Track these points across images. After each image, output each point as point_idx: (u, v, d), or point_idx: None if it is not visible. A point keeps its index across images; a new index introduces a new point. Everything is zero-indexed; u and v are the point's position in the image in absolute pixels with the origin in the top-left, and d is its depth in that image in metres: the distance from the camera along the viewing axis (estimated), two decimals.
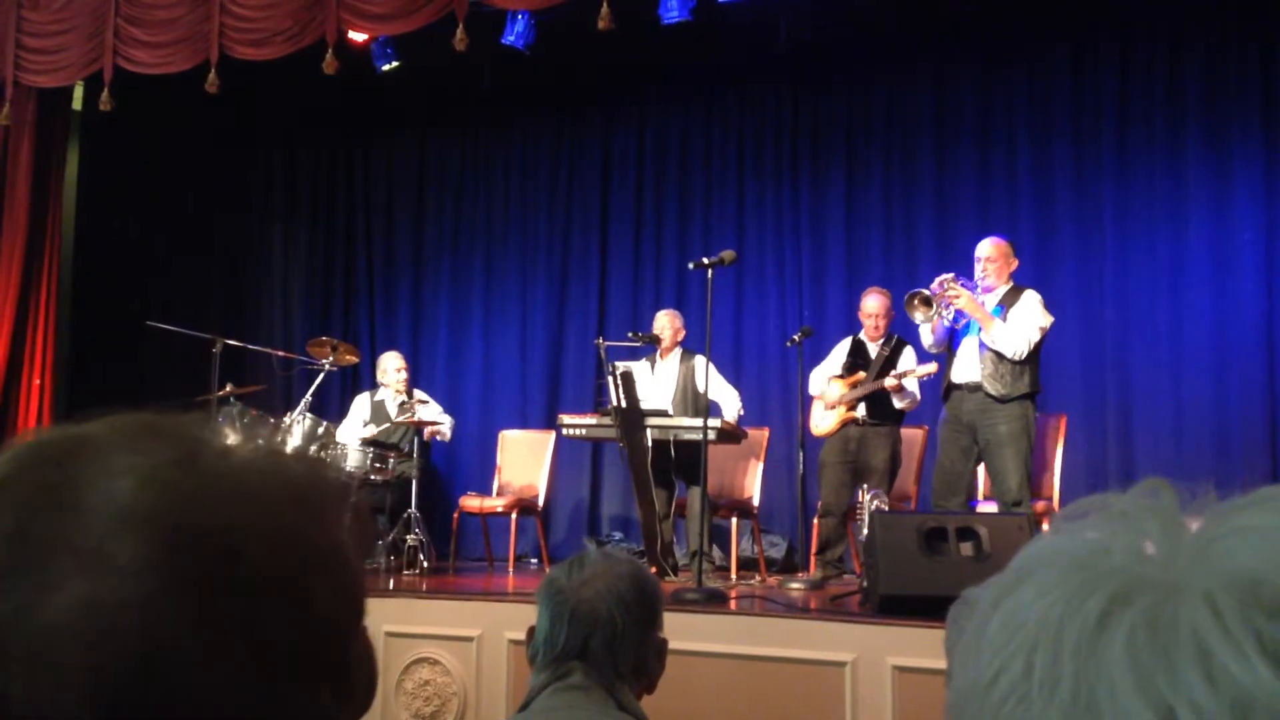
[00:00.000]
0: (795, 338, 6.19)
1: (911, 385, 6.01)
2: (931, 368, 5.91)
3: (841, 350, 6.26)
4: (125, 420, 0.57)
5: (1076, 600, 0.40)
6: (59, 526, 0.52)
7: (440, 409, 7.33)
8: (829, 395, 6.15)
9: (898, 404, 6.01)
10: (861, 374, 6.05)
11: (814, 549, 6.19)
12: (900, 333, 6.22)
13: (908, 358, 6.07)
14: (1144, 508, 0.44)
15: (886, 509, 5.41)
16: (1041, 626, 0.40)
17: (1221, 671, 0.37)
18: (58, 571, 0.50)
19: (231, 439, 0.58)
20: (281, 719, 0.54)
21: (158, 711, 0.50)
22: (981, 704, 0.41)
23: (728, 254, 5.62)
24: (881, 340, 6.18)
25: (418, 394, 7.40)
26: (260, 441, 0.59)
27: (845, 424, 6.03)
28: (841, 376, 6.13)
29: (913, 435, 6.60)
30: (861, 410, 6.00)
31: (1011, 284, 5.66)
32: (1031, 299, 5.57)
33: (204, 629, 0.51)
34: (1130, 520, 0.44)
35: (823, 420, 6.17)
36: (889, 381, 5.92)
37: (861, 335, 6.19)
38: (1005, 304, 5.56)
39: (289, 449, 0.60)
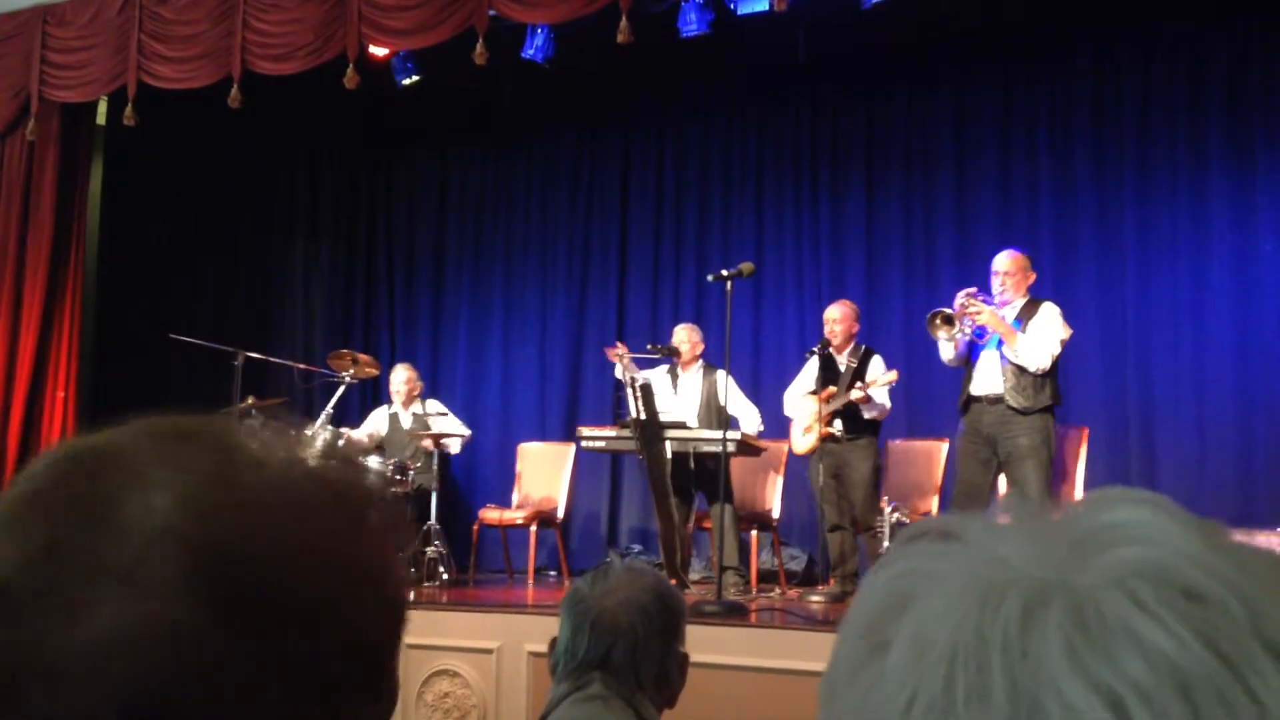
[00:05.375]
0: (814, 350, 6.19)
1: (880, 395, 6.01)
2: (892, 375, 5.96)
3: (812, 367, 6.25)
4: (159, 428, 0.56)
5: (989, 609, 0.40)
6: (92, 544, 0.51)
7: (458, 421, 7.34)
8: (803, 415, 6.15)
9: (866, 415, 5.99)
10: (833, 388, 6.05)
11: (832, 563, 6.19)
12: (868, 344, 6.28)
13: (875, 367, 6.08)
14: (1003, 521, 0.45)
15: (907, 522, 5.39)
16: (956, 638, 0.40)
17: (1158, 655, 0.38)
18: (90, 590, 0.50)
19: (266, 446, 0.57)
20: None
21: None
22: None
23: (746, 266, 5.62)
24: (849, 351, 6.18)
25: (435, 405, 7.43)
26: (294, 449, 0.58)
27: (824, 439, 6.02)
28: (815, 393, 6.12)
29: (933, 448, 6.58)
30: (838, 425, 6.00)
31: (1029, 297, 5.65)
32: (1050, 311, 5.56)
33: (238, 651, 0.50)
34: (1002, 530, 0.44)
35: (802, 440, 6.17)
36: (855, 394, 5.92)
37: (827, 350, 6.18)
38: (1023, 317, 5.55)
39: (323, 456, 0.59)
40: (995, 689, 0.39)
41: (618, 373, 6.34)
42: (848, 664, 0.44)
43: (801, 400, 6.20)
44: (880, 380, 5.97)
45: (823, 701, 0.45)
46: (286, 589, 0.52)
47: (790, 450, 6.93)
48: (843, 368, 6.14)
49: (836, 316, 6.25)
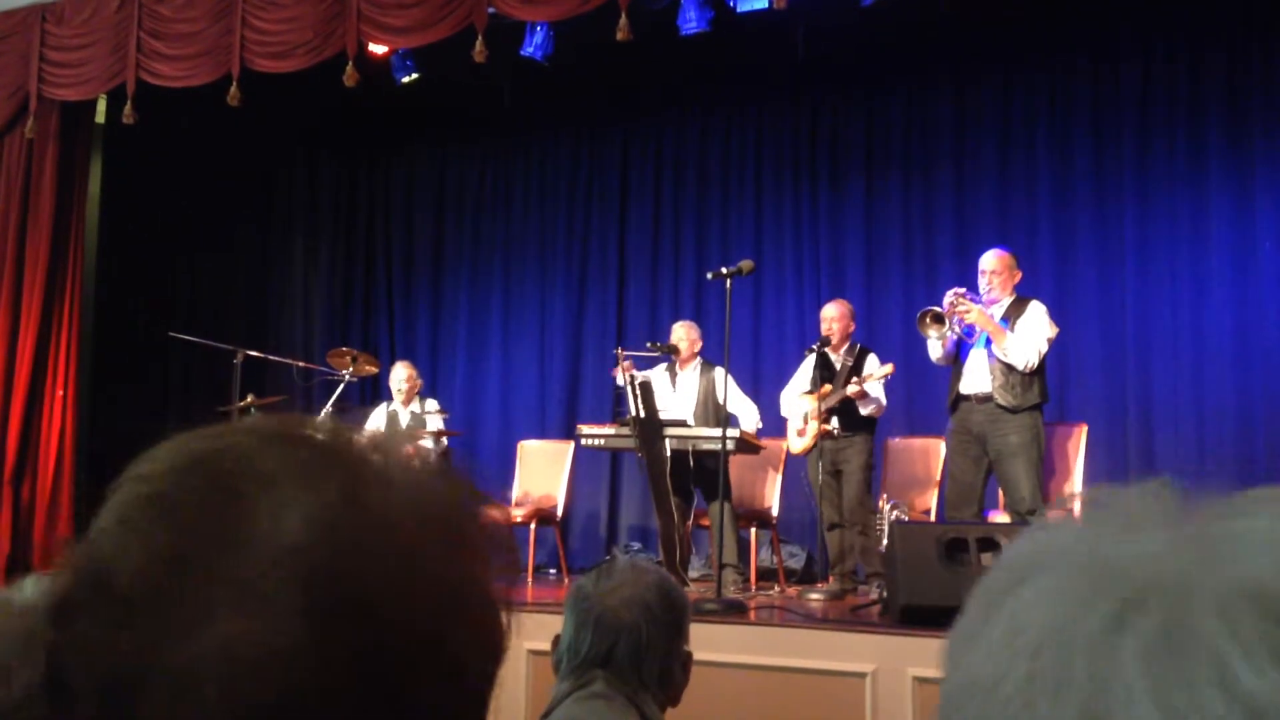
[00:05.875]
0: (814, 347, 6.19)
1: (876, 391, 6.02)
2: (888, 368, 5.96)
3: (807, 367, 6.26)
4: (285, 433, 0.54)
5: (1086, 604, 0.40)
6: (219, 557, 0.50)
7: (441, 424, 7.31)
8: (797, 415, 6.15)
9: (863, 410, 5.99)
10: (828, 387, 6.05)
11: (831, 561, 6.20)
12: (866, 342, 6.28)
13: (870, 364, 6.07)
14: (1146, 508, 0.44)
15: (906, 519, 5.40)
16: (1048, 630, 0.40)
17: (1236, 683, 0.36)
18: (211, 604, 0.49)
19: (390, 463, 0.55)
20: None
21: None
22: (984, 705, 0.41)
23: (746, 264, 5.62)
24: (844, 349, 6.18)
25: (433, 404, 7.42)
26: (415, 466, 0.56)
27: (821, 438, 6.02)
28: (810, 392, 6.12)
29: (931, 445, 6.58)
30: (834, 423, 6.00)
31: (1015, 295, 5.69)
32: (1037, 310, 5.59)
33: (349, 679, 0.49)
34: (1133, 521, 0.43)
35: (798, 440, 6.18)
36: (851, 389, 5.93)
37: (825, 348, 6.18)
38: (1010, 316, 5.59)
39: (439, 475, 0.57)
40: (1073, 688, 0.38)
41: (619, 380, 6.32)
42: (969, 623, 0.44)
43: (797, 400, 6.21)
44: (876, 374, 5.97)
45: (946, 655, 0.45)
46: (400, 622, 0.51)
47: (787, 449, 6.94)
48: (838, 366, 6.14)
49: (834, 315, 6.26)
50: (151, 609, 0.49)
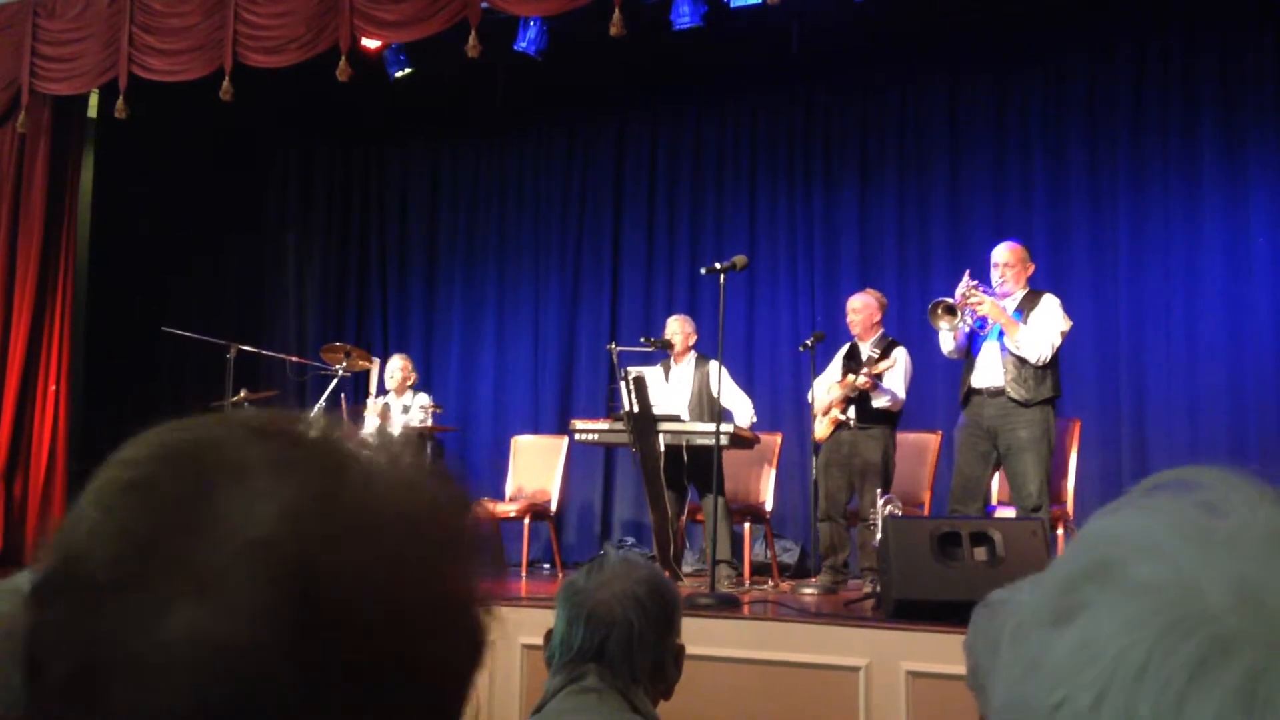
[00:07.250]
0: (808, 342, 6.18)
1: (894, 383, 5.97)
2: (889, 362, 5.91)
3: (840, 357, 6.25)
4: (267, 426, 0.54)
5: (1165, 646, 0.37)
6: (187, 545, 0.49)
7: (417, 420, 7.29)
8: (820, 401, 6.15)
9: (875, 403, 5.95)
10: (850, 377, 6.04)
11: (822, 553, 6.19)
12: (895, 335, 6.24)
13: (896, 358, 6.04)
14: (1247, 533, 0.40)
15: (900, 513, 5.40)
16: (1119, 664, 0.38)
17: None
18: (174, 594, 0.48)
19: (373, 460, 0.55)
20: None
21: None
22: None
23: (740, 259, 5.62)
24: (873, 340, 6.16)
25: (423, 398, 7.42)
26: (399, 464, 0.55)
27: (837, 428, 6.01)
28: (839, 382, 6.11)
29: (926, 440, 6.59)
30: (851, 413, 5.98)
31: (1029, 289, 5.64)
32: (1051, 303, 5.55)
33: (312, 675, 0.49)
34: (1232, 550, 0.40)
35: (818, 427, 6.18)
36: (860, 380, 5.90)
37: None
38: (1024, 309, 5.54)
39: (429, 471, 0.57)
40: None
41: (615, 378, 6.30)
42: (1038, 613, 0.42)
43: (827, 391, 6.17)
44: (882, 365, 5.94)
45: (1010, 639, 0.43)
46: (372, 620, 0.51)
47: (782, 442, 6.96)
48: (864, 357, 6.12)
49: (857, 307, 6.22)
50: (119, 595, 0.49)
